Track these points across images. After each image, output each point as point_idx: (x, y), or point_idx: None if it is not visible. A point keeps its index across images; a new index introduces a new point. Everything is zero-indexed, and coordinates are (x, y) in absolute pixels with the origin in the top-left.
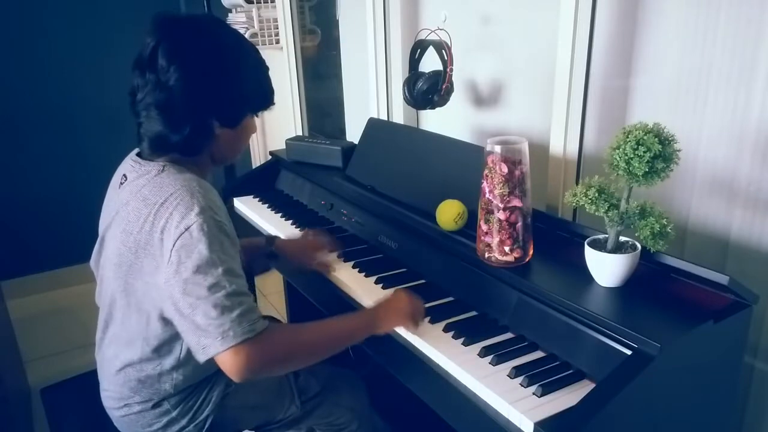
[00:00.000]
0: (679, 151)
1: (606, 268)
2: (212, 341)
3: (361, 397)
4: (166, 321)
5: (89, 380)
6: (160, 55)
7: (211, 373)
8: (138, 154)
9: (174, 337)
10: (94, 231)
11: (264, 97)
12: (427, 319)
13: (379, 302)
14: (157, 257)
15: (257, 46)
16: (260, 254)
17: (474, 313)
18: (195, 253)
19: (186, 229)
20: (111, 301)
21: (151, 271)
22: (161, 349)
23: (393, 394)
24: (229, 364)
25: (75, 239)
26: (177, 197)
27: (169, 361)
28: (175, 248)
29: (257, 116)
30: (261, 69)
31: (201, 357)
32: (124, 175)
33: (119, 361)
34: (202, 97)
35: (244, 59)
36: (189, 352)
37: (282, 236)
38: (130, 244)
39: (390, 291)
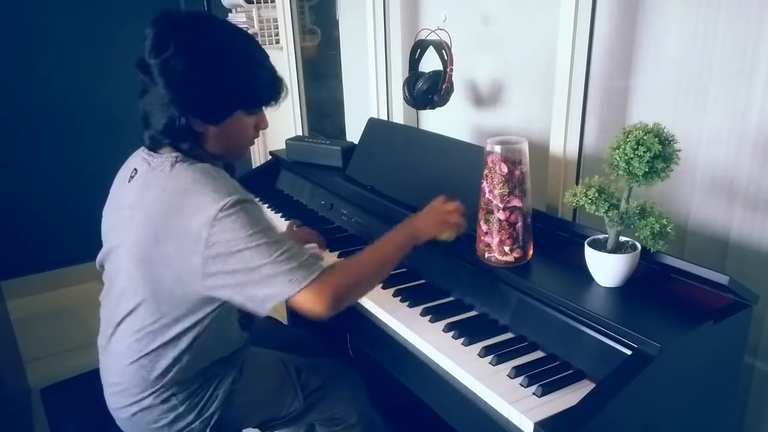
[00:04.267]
0: (679, 151)
1: (606, 268)
2: (284, 288)
3: (360, 391)
4: (197, 303)
5: (89, 380)
6: (146, 53)
7: (218, 367)
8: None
9: (199, 320)
10: (95, 231)
11: (256, 95)
12: (428, 318)
13: (417, 213)
14: (189, 243)
15: None
16: None
17: (474, 313)
18: (239, 226)
19: (221, 209)
20: (128, 293)
21: (180, 257)
22: (180, 338)
23: (392, 394)
24: (309, 302)
25: (75, 239)
26: (200, 183)
27: (184, 353)
28: (215, 230)
29: (255, 113)
30: (254, 66)
31: (287, 294)
32: (135, 169)
33: (134, 352)
34: (174, 94)
35: (230, 56)
36: (203, 335)
37: None
38: (151, 235)
39: (389, 291)
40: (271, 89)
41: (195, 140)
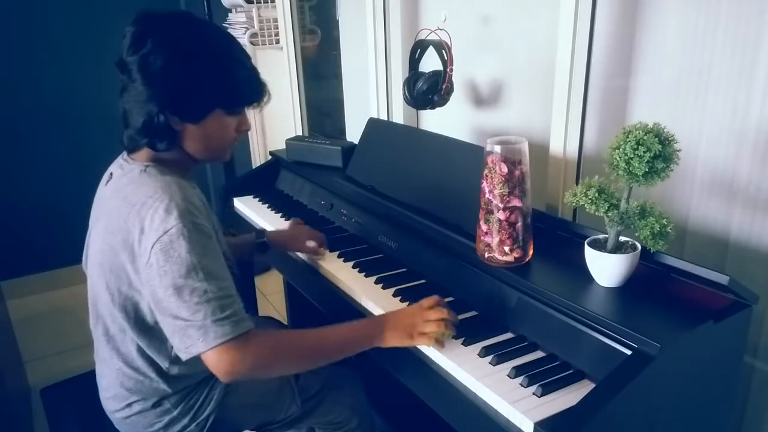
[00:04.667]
0: (679, 151)
1: (606, 268)
2: (194, 342)
3: (360, 395)
4: (153, 315)
5: (89, 380)
6: (124, 51)
7: (209, 371)
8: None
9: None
10: None
11: (236, 94)
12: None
13: (391, 311)
14: (137, 257)
15: (257, 47)
16: (250, 248)
17: (474, 313)
18: (175, 257)
19: (165, 233)
20: (97, 298)
21: (133, 269)
22: (154, 343)
23: (392, 393)
24: (213, 364)
25: (75, 239)
26: (156, 199)
27: (163, 356)
28: (154, 251)
29: (236, 113)
30: (234, 65)
31: (183, 356)
32: (111, 173)
33: (115, 361)
34: (152, 91)
35: (210, 55)
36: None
37: None
38: (111, 243)
39: (389, 291)
40: (250, 89)
41: (173, 140)
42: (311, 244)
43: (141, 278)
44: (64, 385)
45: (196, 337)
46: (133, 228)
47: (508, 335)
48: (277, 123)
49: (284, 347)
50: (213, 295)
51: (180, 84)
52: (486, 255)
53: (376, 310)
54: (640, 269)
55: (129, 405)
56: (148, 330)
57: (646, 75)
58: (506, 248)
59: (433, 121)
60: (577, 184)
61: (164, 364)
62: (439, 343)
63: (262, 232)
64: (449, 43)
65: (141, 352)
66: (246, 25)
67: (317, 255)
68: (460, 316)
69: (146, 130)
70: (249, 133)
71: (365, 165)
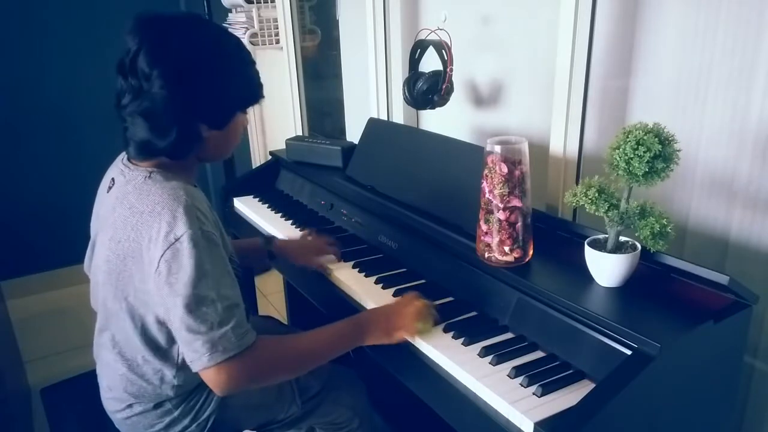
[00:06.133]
0: (679, 151)
1: (606, 268)
2: (199, 357)
3: (361, 395)
4: (161, 323)
5: (89, 380)
6: (140, 61)
7: None
8: (128, 158)
9: (171, 339)
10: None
11: (252, 93)
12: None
13: (373, 309)
14: (145, 265)
15: (257, 47)
16: (259, 255)
17: (474, 313)
18: (184, 266)
19: (176, 240)
20: (104, 306)
21: (141, 278)
22: (159, 352)
23: (393, 393)
24: (213, 379)
25: (74, 240)
26: (164, 206)
27: (168, 365)
28: (164, 259)
29: (245, 111)
30: (246, 65)
31: (192, 367)
32: (113, 179)
33: (120, 366)
34: (186, 103)
35: (229, 58)
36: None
37: (282, 236)
38: (118, 252)
39: (389, 291)
40: (260, 86)
41: (197, 147)
42: (320, 259)
43: (149, 287)
44: (64, 385)
45: (202, 352)
46: (141, 236)
47: (508, 335)
48: (277, 123)
49: (277, 359)
50: (220, 305)
51: (209, 92)
52: (486, 255)
53: None
54: (640, 269)
55: (130, 406)
56: (154, 339)
57: (646, 75)
58: (506, 248)
59: (433, 121)
60: (577, 184)
61: (170, 372)
62: (421, 333)
63: (270, 241)
64: (449, 43)
65: (147, 359)
66: (246, 25)
67: (327, 270)
68: (460, 316)
69: (180, 141)
70: (249, 133)
71: (365, 165)
